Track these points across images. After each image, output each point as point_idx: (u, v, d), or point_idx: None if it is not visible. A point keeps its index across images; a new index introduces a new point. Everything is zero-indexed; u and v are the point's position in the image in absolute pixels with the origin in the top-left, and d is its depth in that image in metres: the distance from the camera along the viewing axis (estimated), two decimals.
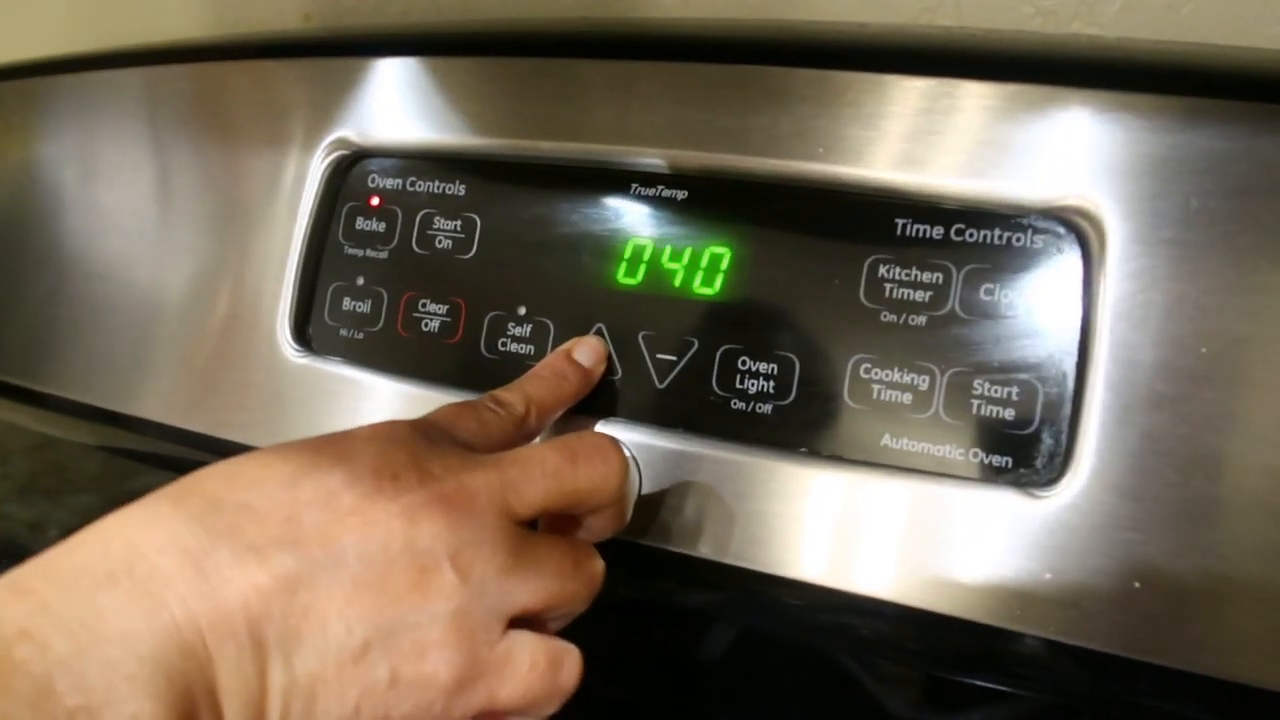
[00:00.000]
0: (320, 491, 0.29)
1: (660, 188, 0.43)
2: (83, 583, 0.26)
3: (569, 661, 0.32)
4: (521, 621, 0.32)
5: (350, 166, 0.49)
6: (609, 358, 0.42)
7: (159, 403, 0.52)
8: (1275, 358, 0.33)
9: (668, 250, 0.42)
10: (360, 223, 0.48)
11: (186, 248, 0.52)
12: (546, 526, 0.38)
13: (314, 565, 0.28)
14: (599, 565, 0.35)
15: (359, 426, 0.33)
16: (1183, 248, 0.34)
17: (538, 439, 0.39)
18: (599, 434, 0.36)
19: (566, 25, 0.55)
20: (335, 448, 0.31)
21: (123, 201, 0.55)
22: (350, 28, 0.62)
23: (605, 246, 0.43)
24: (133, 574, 0.26)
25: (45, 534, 0.63)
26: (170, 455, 0.53)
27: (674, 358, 0.42)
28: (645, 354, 0.42)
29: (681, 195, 0.42)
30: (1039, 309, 0.37)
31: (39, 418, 0.58)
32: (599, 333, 0.43)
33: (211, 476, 0.30)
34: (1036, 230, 0.37)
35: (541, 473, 0.33)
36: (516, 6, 0.61)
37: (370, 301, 0.48)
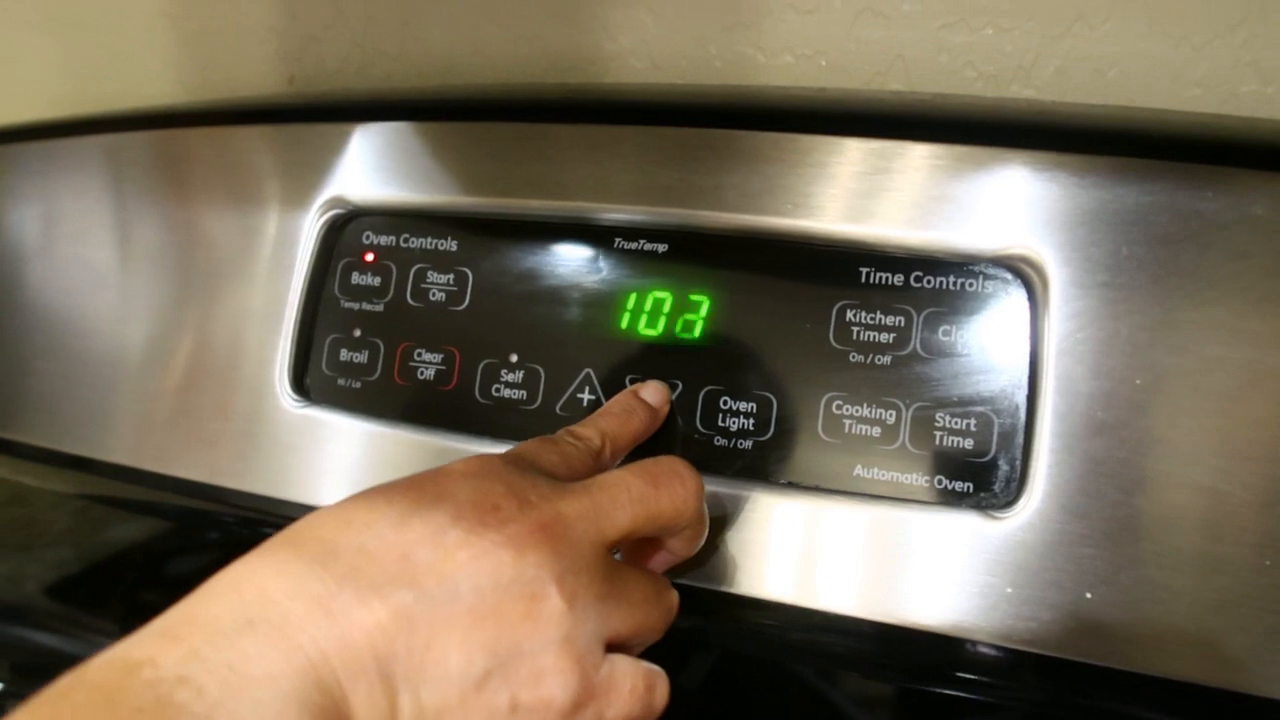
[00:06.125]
0: (428, 529, 0.30)
1: (642, 241, 0.46)
2: (226, 629, 0.27)
3: (660, 685, 0.34)
4: (611, 648, 0.33)
5: (345, 224, 0.51)
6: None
7: (159, 454, 0.53)
8: (1199, 387, 0.37)
9: (650, 299, 0.45)
10: (356, 277, 0.50)
11: (186, 305, 0.54)
12: (630, 551, 0.40)
13: (430, 600, 0.29)
14: (675, 596, 0.37)
15: (452, 463, 0.34)
16: (1115, 290, 0.38)
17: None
18: (673, 458, 0.37)
19: (545, 91, 0.58)
20: (435, 486, 0.33)
21: (121, 260, 0.57)
22: (337, 92, 0.64)
23: (591, 297, 0.46)
24: (269, 619, 0.27)
25: (21, 586, 0.63)
26: (174, 504, 0.54)
27: None
28: None
29: (662, 248, 0.45)
30: (992, 348, 0.40)
31: (45, 474, 0.59)
32: (587, 377, 0.46)
33: (323, 523, 0.31)
34: (987, 276, 0.41)
35: (628, 498, 0.34)
36: (493, 72, 0.64)
37: (367, 352, 0.50)
